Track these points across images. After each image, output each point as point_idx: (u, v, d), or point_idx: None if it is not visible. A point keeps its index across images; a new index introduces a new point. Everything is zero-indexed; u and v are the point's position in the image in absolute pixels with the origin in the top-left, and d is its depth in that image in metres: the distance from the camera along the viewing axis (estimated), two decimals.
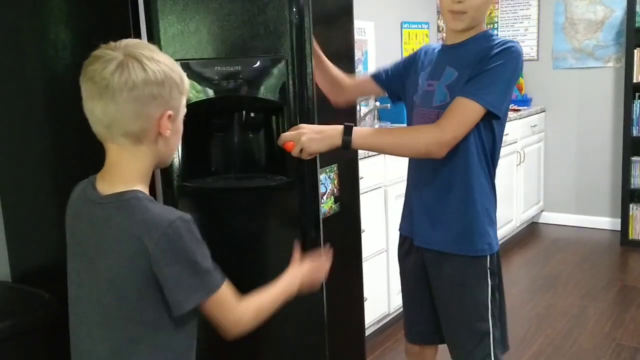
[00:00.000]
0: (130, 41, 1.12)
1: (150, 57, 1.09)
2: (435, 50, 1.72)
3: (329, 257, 1.50)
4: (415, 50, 1.83)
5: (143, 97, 1.08)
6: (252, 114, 1.62)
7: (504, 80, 1.53)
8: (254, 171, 1.64)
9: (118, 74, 1.06)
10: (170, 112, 1.12)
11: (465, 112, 1.52)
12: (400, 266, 1.89)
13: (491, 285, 1.67)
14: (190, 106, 1.49)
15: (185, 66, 1.48)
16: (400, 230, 1.86)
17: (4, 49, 1.92)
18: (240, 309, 1.19)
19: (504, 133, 1.68)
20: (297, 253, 1.45)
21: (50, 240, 1.88)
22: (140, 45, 1.12)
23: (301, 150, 1.48)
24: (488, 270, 1.67)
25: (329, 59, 1.78)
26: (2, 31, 1.91)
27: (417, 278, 1.79)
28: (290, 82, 1.55)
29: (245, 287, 1.64)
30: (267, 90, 1.55)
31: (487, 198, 1.67)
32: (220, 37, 1.52)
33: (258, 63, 1.54)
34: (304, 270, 1.40)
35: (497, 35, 1.64)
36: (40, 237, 1.95)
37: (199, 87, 1.51)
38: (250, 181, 1.62)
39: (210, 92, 1.52)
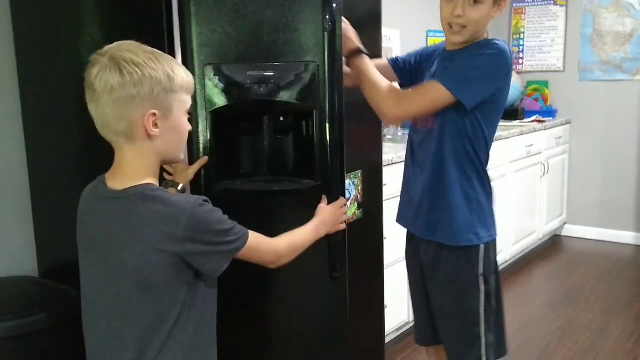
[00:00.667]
0: (120, 44, 1.17)
1: (129, 59, 1.13)
2: (436, 59, 1.74)
3: (346, 208, 1.63)
4: (437, 43, 1.86)
5: (121, 98, 1.13)
6: (282, 118, 1.64)
7: (476, 70, 1.55)
8: (282, 174, 1.66)
9: (99, 77, 1.12)
10: (154, 111, 1.15)
11: (430, 93, 1.57)
12: (406, 267, 1.95)
13: (485, 291, 1.68)
14: (222, 109, 1.53)
15: (218, 70, 1.51)
16: (397, 220, 1.92)
17: (40, 49, 1.96)
18: (274, 246, 1.35)
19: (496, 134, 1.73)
20: (324, 202, 1.57)
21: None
22: (125, 47, 1.16)
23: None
24: (481, 277, 1.67)
25: None
26: (39, 31, 1.96)
27: (417, 280, 1.85)
28: (321, 87, 1.57)
29: (270, 289, 1.66)
30: (297, 95, 1.57)
31: (475, 190, 1.67)
32: (253, 42, 1.54)
33: (290, 68, 1.56)
34: (327, 212, 1.54)
35: (498, 44, 1.62)
36: (68, 234, 1.98)
37: (230, 90, 1.53)
38: (278, 184, 1.64)
39: (242, 96, 1.54)
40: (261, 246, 1.31)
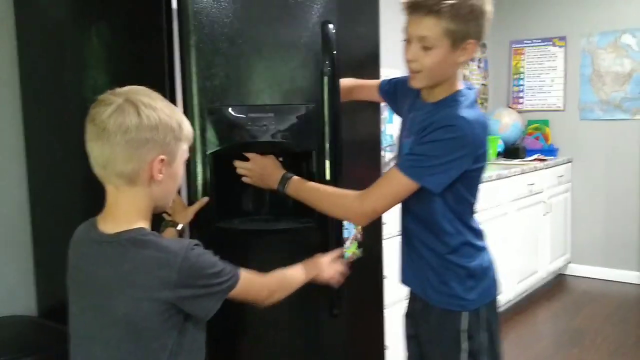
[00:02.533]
0: (134, 88, 1.19)
1: (147, 103, 1.15)
2: (416, 99, 1.62)
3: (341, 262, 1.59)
4: None
5: (136, 140, 1.14)
6: (281, 159, 1.66)
7: (437, 159, 1.43)
8: (282, 214, 1.67)
9: (114, 117, 1.13)
10: (163, 156, 1.17)
11: (392, 185, 1.48)
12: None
13: (468, 349, 1.57)
14: (222, 150, 1.55)
15: (218, 112, 1.53)
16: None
17: (45, 91, 2.00)
18: (265, 283, 1.34)
19: (478, 191, 1.61)
20: (320, 255, 1.54)
21: None
22: (141, 92, 1.18)
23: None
24: (461, 333, 1.56)
25: (354, 106, 1.82)
26: (45, 73, 2.00)
27: (409, 333, 1.75)
28: (320, 129, 1.59)
29: (269, 325, 1.65)
30: (296, 136, 1.60)
31: (462, 255, 1.57)
32: (253, 85, 1.58)
33: (289, 110, 1.58)
34: (322, 258, 1.52)
35: (466, 99, 1.50)
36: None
37: (231, 132, 1.55)
38: (277, 223, 1.65)
39: (242, 137, 1.56)
40: (253, 284, 1.30)
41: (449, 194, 1.51)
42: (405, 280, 1.70)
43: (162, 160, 1.17)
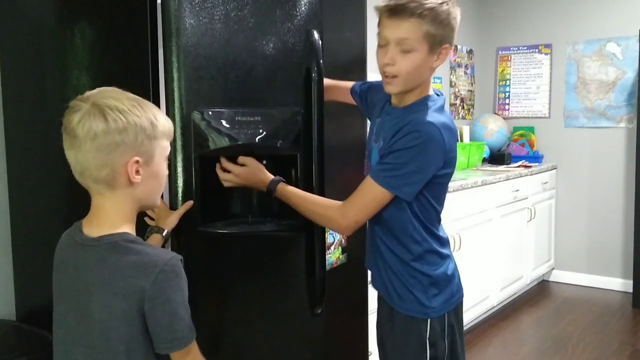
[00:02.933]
0: (102, 91, 1.16)
1: (114, 106, 1.12)
2: (385, 103, 1.62)
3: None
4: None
5: (105, 145, 1.12)
6: (264, 162, 1.65)
7: (407, 166, 1.45)
8: (267, 216, 1.66)
9: (82, 123, 1.11)
10: (137, 158, 1.15)
11: (369, 196, 1.50)
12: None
13: (431, 356, 1.57)
14: (210, 153, 1.53)
15: (205, 115, 1.52)
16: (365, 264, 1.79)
17: (29, 93, 1.97)
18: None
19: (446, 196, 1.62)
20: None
21: None
22: (109, 94, 1.15)
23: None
24: (425, 340, 1.57)
25: (339, 111, 1.82)
26: (27, 75, 1.97)
27: (378, 338, 1.76)
28: (305, 133, 1.59)
29: (250, 324, 1.64)
30: (282, 140, 1.60)
31: (426, 263, 1.57)
32: (240, 88, 1.57)
33: (275, 114, 1.58)
34: None
35: (434, 103, 1.51)
36: (48, 278, 1.95)
37: (217, 135, 1.54)
38: (262, 226, 1.65)
39: (229, 141, 1.55)
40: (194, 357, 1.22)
41: (415, 201, 1.52)
42: (373, 283, 1.71)
43: (137, 161, 1.15)
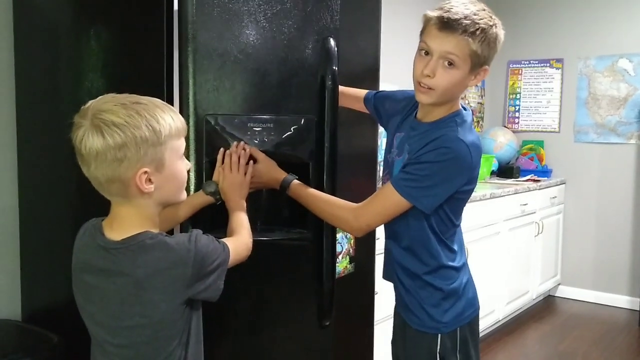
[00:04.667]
0: (99, 104, 1.13)
1: (110, 121, 1.10)
2: (407, 117, 1.62)
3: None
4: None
5: (108, 162, 1.11)
6: None
7: (431, 178, 1.44)
8: (277, 224, 1.66)
9: (84, 142, 1.11)
10: (145, 169, 1.13)
11: (386, 202, 1.48)
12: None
13: None
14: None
15: (218, 120, 1.52)
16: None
17: (42, 94, 1.98)
18: (241, 241, 1.37)
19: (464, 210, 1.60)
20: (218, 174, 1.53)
21: (63, 283, 1.88)
22: (105, 107, 1.12)
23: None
24: (438, 355, 1.55)
25: (351, 119, 1.82)
26: (41, 76, 1.98)
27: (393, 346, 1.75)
28: (318, 141, 1.58)
29: (258, 335, 1.63)
30: (295, 147, 1.60)
31: (439, 277, 1.56)
32: (253, 94, 1.57)
33: (288, 121, 1.58)
34: (229, 185, 1.50)
35: (464, 121, 1.50)
36: (54, 280, 1.95)
37: (229, 140, 1.54)
38: (272, 234, 1.64)
39: None
40: (237, 247, 1.33)
41: (434, 214, 1.51)
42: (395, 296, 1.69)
43: (146, 172, 1.14)
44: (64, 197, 1.92)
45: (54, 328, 1.87)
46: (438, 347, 1.55)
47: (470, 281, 1.64)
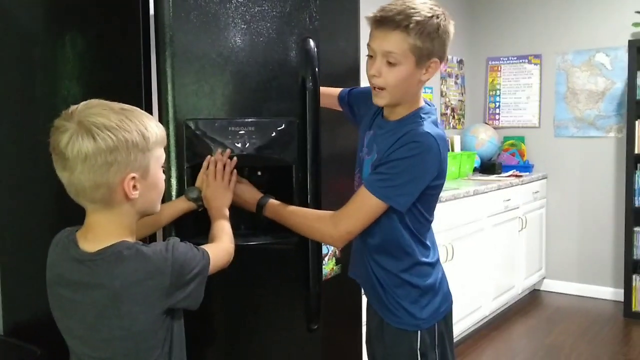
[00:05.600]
0: (87, 108, 1.11)
1: (101, 124, 1.08)
2: (377, 116, 1.60)
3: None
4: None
5: (97, 166, 1.08)
6: (259, 173, 1.63)
7: (402, 176, 1.43)
8: (261, 229, 1.64)
9: (71, 145, 1.07)
10: (133, 174, 1.12)
11: (363, 206, 1.47)
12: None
13: None
14: (202, 163, 1.51)
15: (199, 125, 1.50)
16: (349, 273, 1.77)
17: (18, 101, 1.94)
18: (222, 247, 1.35)
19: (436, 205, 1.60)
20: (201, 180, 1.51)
21: (44, 295, 1.85)
22: (94, 111, 1.10)
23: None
24: (418, 352, 1.55)
25: (334, 119, 1.80)
26: (16, 84, 1.94)
27: (367, 345, 1.73)
28: (301, 143, 1.57)
29: (245, 339, 1.61)
30: (277, 150, 1.58)
31: (415, 274, 1.55)
32: (234, 98, 1.55)
33: (269, 124, 1.56)
34: (211, 195, 1.49)
35: (429, 116, 1.49)
36: (36, 292, 1.92)
37: (210, 145, 1.52)
38: (256, 238, 1.63)
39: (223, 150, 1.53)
40: (217, 254, 1.30)
41: (407, 212, 1.50)
42: (364, 292, 1.68)
43: (133, 177, 1.12)
44: (43, 208, 1.88)
45: (37, 341, 1.83)
46: (418, 344, 1.54)
47: (443, 276, 1.64)
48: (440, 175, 1.50)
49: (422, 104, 1.53)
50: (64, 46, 1.73)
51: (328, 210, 1.54)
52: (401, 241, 1.53)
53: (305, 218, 1.53)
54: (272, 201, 1.55)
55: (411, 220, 1.52)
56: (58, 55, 1.76)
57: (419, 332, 1.55)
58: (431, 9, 1.42)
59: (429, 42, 1.41)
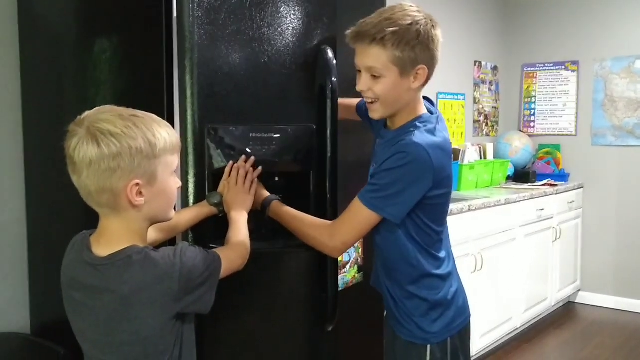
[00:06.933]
0: (97, 113, 1.13)
1: (106, 130, 1.09)
2: (382, 125, 1.59)
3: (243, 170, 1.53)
4: None
5: (101, 171, 1.10)
6: (277, 179, 1.63)
7: (394, 186, 1.41)
8: (279, 234, 1.64)
9: (78, 150, 1.10)
10: (137, 181, 1.13)
11: (357, 217, 1.46)
12: None
13: None
14: (223, 169, 1.53)
15: (219, 131, 1.51)
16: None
17: (48, 108, 2.00)
18: (235, 251, 1.35)
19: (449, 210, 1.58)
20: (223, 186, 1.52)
21: None
22: (102, 117, 1.12)
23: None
24: None
25: (352, 127, 1.80)
26: (47, 90, 2.00)
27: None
28: (319, 150, 1.57)
29: (262, 339, 1.62)
30: (296, 157, 1.59)
31: (424, 287, 1.52)
32: (254, 105, 1.56)
33: (289, 131, 1.57)
34: (232, 197, 1.49)
35: (425, 125, 1.46)
36: (61, 293, 1.96)
37: (231, 151, 1.54)
38: (275, 243, 1.63)
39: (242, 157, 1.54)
40: (229, 258, 1.30)
41: (410, 223, 1.48)
42: (384, 302, 1.66)
43: (137, 184, 1.13)
44: (71, 210, 1.92)
45: (62, 341, 1.87)
46: (428, 358, 1.52)
47: (460, 289, 1.60)
48: (440, 185, 1.46)
49: (421, 112, 1.51)
50: (91, 53, 1.77)
51: (327, 220, 1.54)
52: (405, 253, 1.50)
53: (304, 225, 1.53)
54: (277, 202, 1.55)
55: (416, 232, 1.49)
56: (85, 61, 1.80)
57: (428, 346, 1.52)
58: (410, 15, 1.39)
59: (409, 51, 1.39)
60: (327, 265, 1.65)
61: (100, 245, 1.17)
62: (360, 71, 1.45)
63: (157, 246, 1.28)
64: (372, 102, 1.46)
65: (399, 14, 1.39)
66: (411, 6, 1.42)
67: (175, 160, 1.21)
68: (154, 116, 1.19)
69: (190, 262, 1.17)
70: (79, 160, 1.10)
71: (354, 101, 1.80)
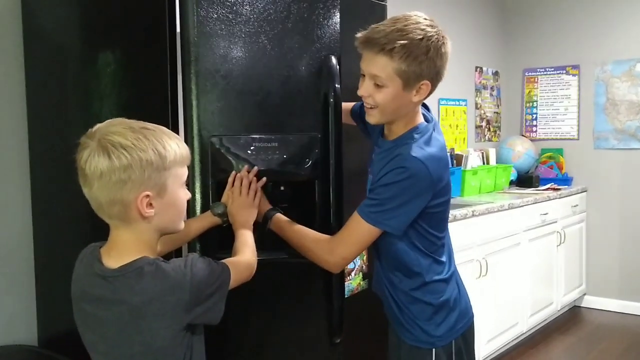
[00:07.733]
0: (108, 126, 1.15)
1: (117, 143, 1.11)
2: (379, 134, 1.60)
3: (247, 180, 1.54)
4: None
5: (112, 183, 1.11)
6: (282, 188, 1.64)
7: (393, 200, 1.41)
8: (284, 242, 1.65)
9: (89, 162, 1.11)
10: (147, 192, 1.13)
11: (357, 231, 1.46)
12: None
13: None
14: (228, 179, 1.53)
15: (223, 141, 1.52)
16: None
17: (53, 121, 2.01)
18: (244, 261, 1.35)
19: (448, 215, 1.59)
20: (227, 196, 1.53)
21: None
22: (113, 129, 1.13)
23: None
24: None
25: (357, 134, 1.81)
26: (51, 101, 2.01)
27: None
28: (323, 159, 1.57)
29: (269, 352, 1.62)
30: (300, 165, 1.59)
31: (428, 292, 1.53)
32: (257, 114, 1.57)
33: (293, 139, 1.57)
34: (236, 209, 1.51)
35: (421, 135, 1.47)
36: (70, 304, 1.97)
37: (236, 161, 1.55)
38: (280, 252, 1.63)
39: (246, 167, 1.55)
40: (238, 268, 1.31)
41: (412, 232, 1.48)
42: (384, 308, 1.67)
43: (148, 196, 1.14)
44: (77, 224, 1.93)
45: (70, 353, 1.87)
46: (432, 357, 1.53)
47: (461, 291, 1.61)
48: (439, 194, 1.47)
49: (418, 122, 1.51)
50: (95, 65, 1.79)
51: (327, 235, 1.53)
52: (407, 260, 1.51)
53: (304, 239, 1.53)
54: (279, 215, 1.56)
55: (419, 239, 1.50)
56: (89, 73, 1.82)
57: (433, 350, 1.53)
58: (423, 30, 1.38)
59: (415, 66, 1.38)
60: (332, 276, 1.65)
61: (111, 257, 1.18)
62: (364, 75, 1.46)
63: (164, 256, 1.29)
64: (371, 108, 1.47)
65: (412, 27, 1.38)
66: (425, 19, 1.41)
67: (185, 172, 1.22)
68: (164, 128, 1.20)
69: (201, 273, 1.17)
70: (90, 172, 1.11)
71: (349, 105, 1.80)
